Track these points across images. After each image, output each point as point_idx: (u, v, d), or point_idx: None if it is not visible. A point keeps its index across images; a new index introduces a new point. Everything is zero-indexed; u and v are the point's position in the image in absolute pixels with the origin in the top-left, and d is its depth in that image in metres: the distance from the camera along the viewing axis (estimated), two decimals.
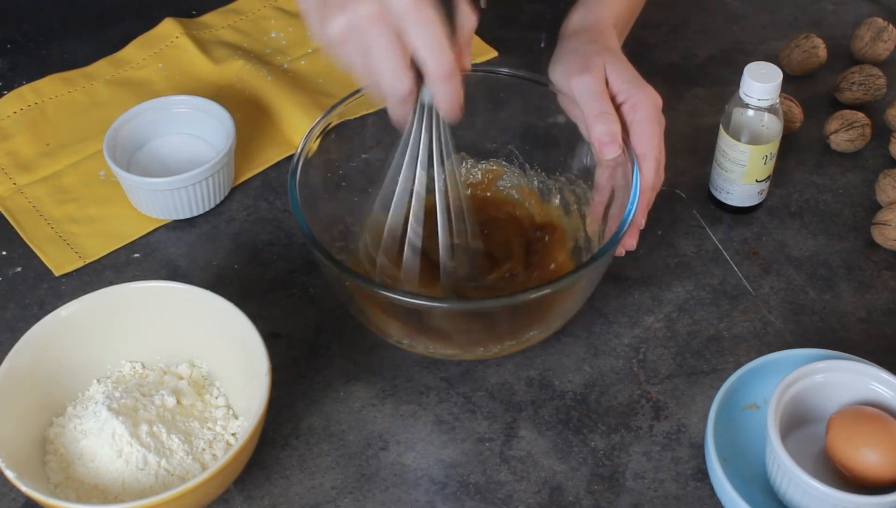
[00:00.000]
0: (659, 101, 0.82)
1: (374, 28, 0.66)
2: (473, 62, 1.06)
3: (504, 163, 0.90)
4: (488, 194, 0.90)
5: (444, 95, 0.69)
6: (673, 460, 0.78)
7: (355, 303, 0.79)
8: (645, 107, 0.81)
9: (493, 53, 1.08)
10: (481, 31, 1.09)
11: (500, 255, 0.85)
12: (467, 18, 0.69)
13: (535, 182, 0.89)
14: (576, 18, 0.88)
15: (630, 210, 0.76)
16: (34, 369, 0.75)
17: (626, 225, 0.76)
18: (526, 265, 0.84)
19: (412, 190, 0.76)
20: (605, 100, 0.80)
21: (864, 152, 0.98)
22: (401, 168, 0.76)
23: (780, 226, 0.93)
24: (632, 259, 0.89)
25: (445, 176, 0.77)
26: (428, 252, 0.79)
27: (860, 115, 0.97)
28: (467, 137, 0.88)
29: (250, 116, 1.01)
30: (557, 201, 0.88)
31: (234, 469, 0.71)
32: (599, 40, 0.85)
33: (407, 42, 0.67)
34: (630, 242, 0.83)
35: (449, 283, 0.81)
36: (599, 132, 0.79)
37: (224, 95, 1.02)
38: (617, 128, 0.79)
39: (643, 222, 0.84)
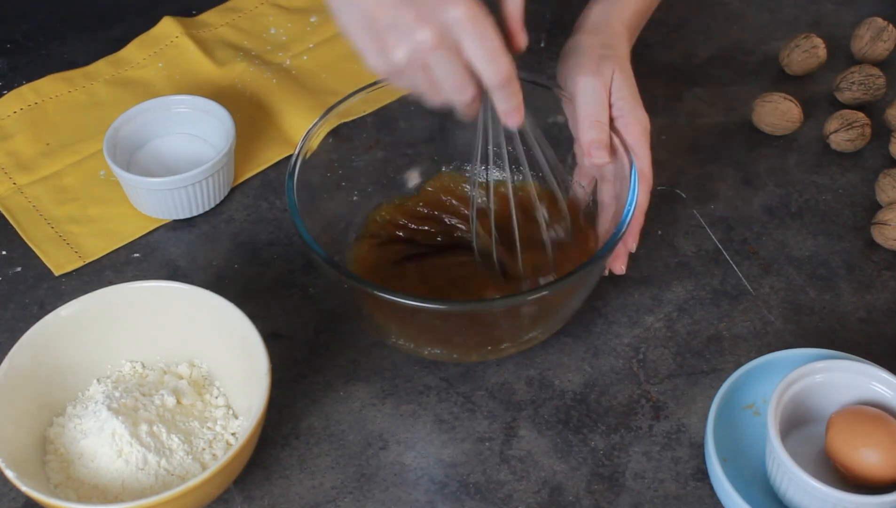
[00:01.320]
0: (648, 125, 0.83)
1: (435, 52, 0.68)
2: None
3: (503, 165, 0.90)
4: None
5: (501, 100, 0.72)
6: (673, 460, 0.78)
7: (353, 304, 0.79)
8: (635, 131, 0.82)
9: None
10: None
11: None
12: (513, 2, 0.71)
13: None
14: (596, 13, 0.88)
15: (628, 211, 0.76)
16: (34, 369, 0.75)
17: (625, 226, 0.76)
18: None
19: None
20: (605, 109, 0.81)
21: (864, 152, 0.98)
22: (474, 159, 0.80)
23: (780, 226, 0.93)
24: (632, 259, 0.88)
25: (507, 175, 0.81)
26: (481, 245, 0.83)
27: (860, 115, 0.97)
28: (466, 138, 0.88)
29: (250, 116, 1.01)
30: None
31: (234, 469, 0.71)
32: (613, 45, 0.85)
33: (465, 55, 0.68)
34: (618, 265, 0.83)
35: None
36: (592, 137, 0.80)
37: (224, 95, 1.02)
38: (608, 139, 0.80)
39: (633, 245, 0.84)
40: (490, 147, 0.79)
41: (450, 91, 0.70)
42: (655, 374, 0.82)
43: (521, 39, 0.72)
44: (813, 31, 1.05)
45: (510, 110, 0.73)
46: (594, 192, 0.84)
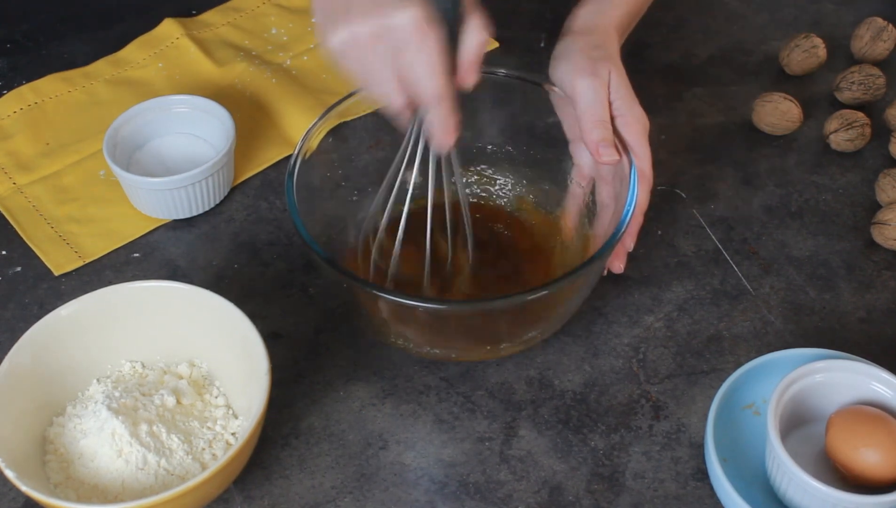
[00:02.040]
0: (647, 124, 0.83)
1: (372, 47, 0.68)
2: None
3: (499, 166, 0.90)
4: (484, 204, 0.90)
5: (434, 117, 0.71)
6: (673, 460, 0.78)
7: (354, 305, 0.79)
8: (635, 130, 0.82)
9: (494, 45, 1.08)
10: None
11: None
12: (474, 37, 0.70)
13: (534, 185, 0.89)
14: (583, 15, 0.88)
15: (628, 210, 0.76)
16: (34, 369, 0.75)
17: (625, 225, 0.76)
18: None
19: (407, 191, 0.78)
20: (606, 109, 0.81)
21: (864, 152, 0.98)
22: (398, 171, 0.78)
23: (780, 226, 0.93)
24: (632, 259, 0.89)
25: (442, 182, 0.78)
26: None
27: (860, 114, 0.97)
28: (466, 138, 0.88)
29: (250, 116, 1.01)
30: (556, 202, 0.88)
31: (233, 469, 0.71)
32: (604, 46, 0.85)
33: (402, 62, 0.68)
34: (617, 264, 0.84)
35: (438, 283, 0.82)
36: (597, 137, 0.80)
37: (224, 95, 1.02)
38: (613, 138, 0.80)
39: (632, 245, 0.84)
40: (415, 162, 0.77)
41: (380, 92, 0.70)
42: (655, 374, 0.82)
43: (469, 77, 0.71)
44: (813, 31, 1.05)
45: (439, 132, 0.72)
46: (592, 191, 0.84)
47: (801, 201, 0.95)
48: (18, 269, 0.90)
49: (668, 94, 1.03)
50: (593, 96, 0.81)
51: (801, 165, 0.98)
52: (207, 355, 0.79)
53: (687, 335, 0.85)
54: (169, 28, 1.09)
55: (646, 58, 1.07)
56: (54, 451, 0.74)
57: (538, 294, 0.73)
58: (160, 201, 0.91)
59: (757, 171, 0.97)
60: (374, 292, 0.73)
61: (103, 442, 0.72)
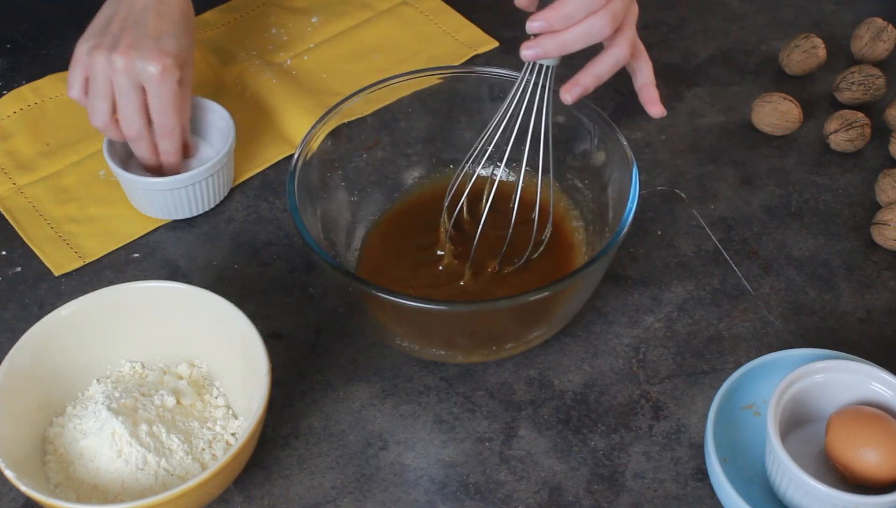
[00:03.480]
0: (622, 56, 0.82)
1: (120, 75, 0.86)
2: (475, 53, 1.07)
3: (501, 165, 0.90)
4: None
5: (162, 150, 0.90)
6: (673, 460, 0.78)
7: (355, 306, 0.79)
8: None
9: (494, 44, 1.08)
10: (483, 25, 1.09)
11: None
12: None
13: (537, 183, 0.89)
14: None
15: (630, 208, 0.76)
16: (34, 369, 0.75)
17: (626, 225, 0.76)
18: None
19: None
20: None
21: (864, 152, 0.98)
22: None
23: (780, 226, 0.93)
24: (632, 259, 0.89)
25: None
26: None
27: (860, 115, 0.97)
28: (466, 138, 0.88)
29: (250, 116, 1.01)
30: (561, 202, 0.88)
31: (233, 469, 0.71)
32: None
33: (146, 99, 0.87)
34: (656, 109, 0.85)
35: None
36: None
37: (224, 95, 1.02)
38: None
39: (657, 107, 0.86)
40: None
41: (123, 119, 0.86)
42: (655, 374, 0.82)
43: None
44: (813, 31, 1.05)
45: (165, 155, 0.89)
46: (594, 199, 0.84)
47: (801, 201, 0.95)
48: (18, 269, 0.90)
49: (668, 94, 1.03)
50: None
51: (801, 165, 0.98)
52: (207, 355, 0.79)
53: (687, 335, 0.85)
54: None
55: None
56: (54, 451, 0.74)
57: (541, 295, 0.73)
58: (160, 201, 0.91)
59: (757, 171, 0.97)
60: (376, 293, 0.73)
61: (103, 443, 0.72)
